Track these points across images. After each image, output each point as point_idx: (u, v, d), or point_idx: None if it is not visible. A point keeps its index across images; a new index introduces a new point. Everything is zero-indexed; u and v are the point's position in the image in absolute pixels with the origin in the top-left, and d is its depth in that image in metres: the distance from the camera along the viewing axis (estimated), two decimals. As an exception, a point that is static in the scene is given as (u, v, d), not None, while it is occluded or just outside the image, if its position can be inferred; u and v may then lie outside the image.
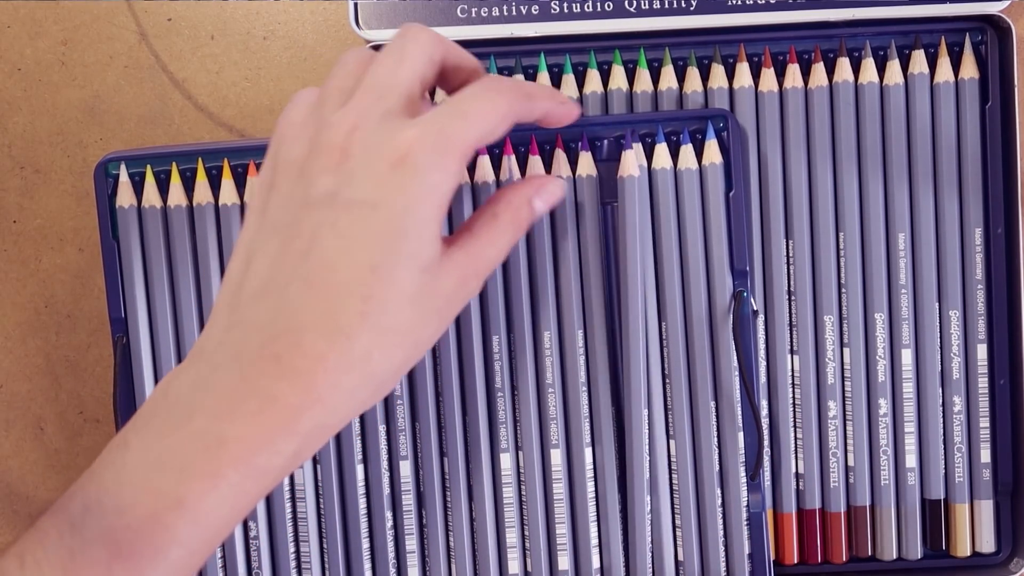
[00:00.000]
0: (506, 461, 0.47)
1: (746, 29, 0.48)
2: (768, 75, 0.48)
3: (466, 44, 0.48)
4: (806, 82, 0.48)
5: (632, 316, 0.46)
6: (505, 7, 0.48)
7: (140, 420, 0.35)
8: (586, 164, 0.46)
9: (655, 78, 0.48)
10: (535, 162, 0.46)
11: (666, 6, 0.48)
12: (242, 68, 0.52)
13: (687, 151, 0.46)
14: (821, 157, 0.48)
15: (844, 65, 0.48)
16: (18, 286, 0.53)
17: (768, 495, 0.49)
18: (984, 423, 0.48)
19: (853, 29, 0.48)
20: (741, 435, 0.47)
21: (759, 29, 0.48)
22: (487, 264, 0.38)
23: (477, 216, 0.39)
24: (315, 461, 0.47)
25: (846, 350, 0.48)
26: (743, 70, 0.48)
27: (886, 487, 0.49)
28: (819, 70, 0.48)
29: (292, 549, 0.48)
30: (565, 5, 0.48)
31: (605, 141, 0.47)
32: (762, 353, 0.48)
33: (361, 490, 0.47)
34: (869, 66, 0.48)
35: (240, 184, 0.47)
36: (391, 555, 0.48)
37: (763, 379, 0.48)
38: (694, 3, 0.48)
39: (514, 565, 0.47)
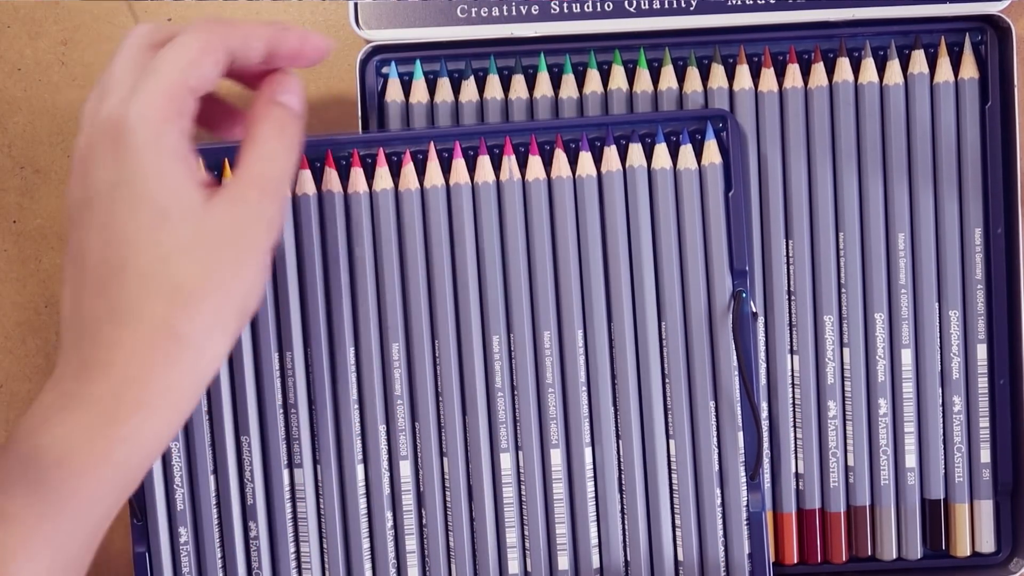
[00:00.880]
0: (506, 461, 0.47)
1: (746, 29, 0.48)
2: (768, 75, 0.48)
3: (466, 44, 0.48)
4: (806, 82, 0.48)
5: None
6: (505, 7, 0.48)
7: None
8: (586, 164, 0.46)
9: (655, 78, 0.48)
10: (535, 162, 0.46)
11: (666, 6, 0.48)
12: (242, 68, 0.52)
13: (687, 151, 0.46)
14: (821, 157, 0.48)
15: (844, 65, 0.48)
16: (18, 286, 0.53)
17: (768, 495, 0.49)
18: (984, 423, 0.48)
19: (853, 29, 0.48)
20: (741, 435, 0.47)
21: (759, 29, 0.48)
22: (266, 180, 0.37)
23: (240, 147, 0.39)
24: (315, 461, 0.47)
25: (846, 350, 0.48)
26: (743, 72, 0.48)
27: (886, 487, 0.49)
28: (819, 70, 0.48)
29: (292, 549, 0.48)
30: (565, 5, 0.48)
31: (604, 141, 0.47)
32: (762, 353, 0.48)
33: (361, 490, 0.47)
34: (869, 66, 0.48)
35: (240, 184, 0.47)
36: (391, 555, 0.48)
37: (763, 379, 0.48)
38: (694, 3, 0.48)
39: (514, 565, 0.47)
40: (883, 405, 0.48)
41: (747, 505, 0.47)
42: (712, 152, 0.46)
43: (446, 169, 0.47)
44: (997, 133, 0.48)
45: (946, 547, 0.49)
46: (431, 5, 0.48)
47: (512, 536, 0.47)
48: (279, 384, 0.47)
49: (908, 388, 0.48)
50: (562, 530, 0.47)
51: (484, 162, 0.46)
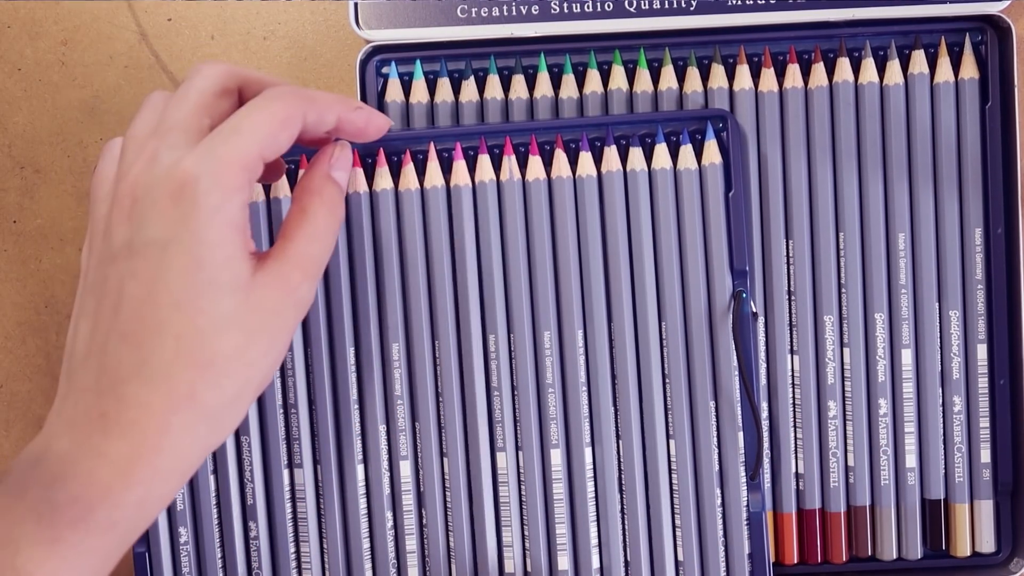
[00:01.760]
0: (506, 461, 0.47)
1: (746, 29, 0.48)
2: (768, 75, 0.48)
3: (466, 44, 0.48)
4: (806, 82, 0.48)
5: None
6: (505, 7, 0.48)
7: None
8: (586, 164, 0.46)
9: (655, 78, 0.48)
10: (535, 162, 0.46)
11: (666, 6, 0.48)
12: (242, 68, 0.52)
13: (687, 151, 0.46)
14: (821, 157, 0.48)
15: (844, 65, 0.48)
16: (18, 286, 0.53)
17: (768, 495, 0.49)
18: (984, 423, 0.48)
19: (853, 29, 0.48)
20: (741, 435, 0.47)
21: (759, 29, 0.48)
22: (311, 261, 0.37)
23: (288, 217, 0.38)
24: (315, 461, 0.47)
25: (846, 350, 0.48)
26: (743, 72, 0.48)
27: (886, 487, 0.49)
28: (819, 70, 0.48)
29: (292, 549, 0.48)
30: (565, 5, 0.48)
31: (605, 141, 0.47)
32: (762, 353, 0.48)
33: (361, 490, 0.47)
34: (869, 66, 0.48)
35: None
36: (391, 555, 0.48)
37: (763, 379, 0.48)
38: (694, 3, 0.48)
39: (514, 565, 0.47)
40: (883, 405, 0.48)
41: (747, 505, 0.47)
42: (712, 152, 0.46)
43: (446, 169, 0.47)
44: (997, 133, 0.48)
45: (946, 547, 0.49)
46: (431, 5, 0.48)
47: (512, 536, 0.47)
48: (279, 384, 0.47)
49: (908, 388, 0.48)
50: (562, 530, 0.47)
51: (484, 162, 0.46)
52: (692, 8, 0.48)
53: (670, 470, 0.47)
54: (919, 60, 0.48)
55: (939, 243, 0.48)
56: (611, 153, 0.46)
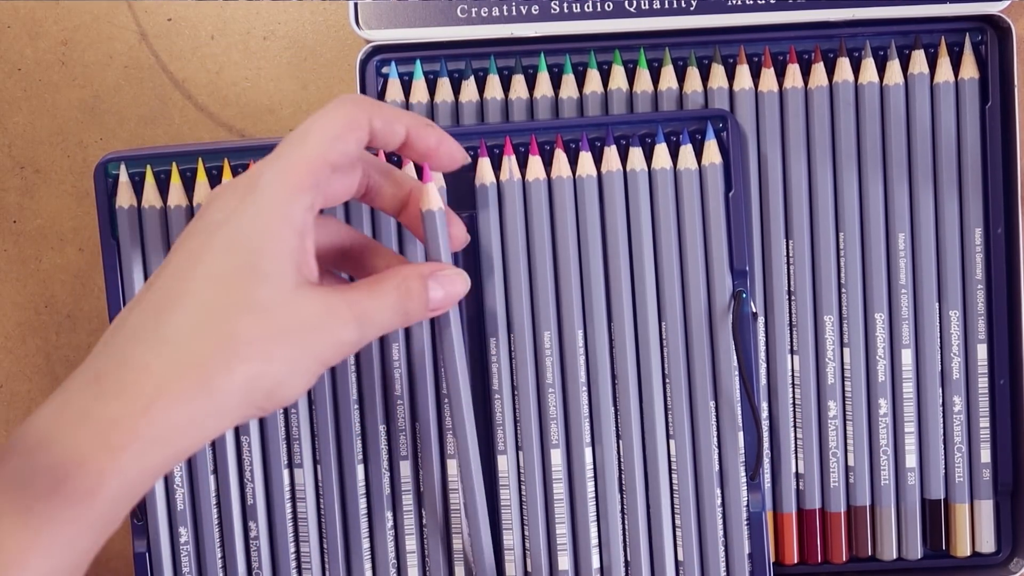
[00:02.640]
0: (505, 462, 0.47)
1: (746, 29, 0.48)
2: (768, 75, 0.48)
3: (466, 44, 0.48)
4: (806, 82, 0.48)
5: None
6: (505, 7, 0.48)
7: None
8: (586, 164, 0.46)
9: (655, 78, 0.48)
10: (535, 162, 0.46)
11: (666, 6, 0.48)
12: (242, 68, 0.52)
13: (687, 151, 0.46)
14: (821, 157, 0.48)
15: (844, 65, 0.48)
16: (18, 286, 0.53)
17: (768, 495, 0.49)
18: (984, 423, 0.48)
19: (853, 29, 0.48)
20: (741, 435, 0.47)
21: (759, 29, 0.48)
22: (364, 315, 0.37)
23: (374, 270, 0.39)
24: (315, 461, 0.47)
25: (846, 350, 0.48)
26: (743, 72, 0.48)
27: (886, 487, 0.49)
28: (819, 70, 0.48)
29: (292, 549, 0.48)
30: (565, 5, 0.48)
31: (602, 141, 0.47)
32: (762, 353, 0.48)
33: (361, 490, 0.47)
34: (869, 66, 0.48)
35: (240, 184, 0.47)
36: (391, 555, 0.48)
37: (763, 379, 0.48)
38: (694, 3, 0.48)
39: (514, 565, 0.47)
40: (883, 405, 0.48)
41: (747, 505, 0.47)
42: (712, 152, 0.46)
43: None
44: (997, 133, 0.48)
45: (946, 547, 0.49)
46: (431, 5, 0.48)
47: (512, 536, 0.47)
48: (279, 384, 0.47)
49: (908, 388, 0.48)
50: (562, 530, 0.47)
51: (484, 163, 0.46)
52: (692, 8, 0.48)
53: (670, 470, 0.47)
54: (919, 60, 0.48)
55: (939, 243, 0.48)
56: (611, 153, 0.46)
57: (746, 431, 0.47)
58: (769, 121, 0.48)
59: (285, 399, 0.36)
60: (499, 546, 0.48)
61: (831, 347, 0.48)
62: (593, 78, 0.48)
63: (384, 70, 0.49)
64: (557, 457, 0.47)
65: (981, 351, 0.48)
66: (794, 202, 0.48)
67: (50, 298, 0.52)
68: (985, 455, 0.49)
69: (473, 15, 0.48)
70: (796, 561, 0.49)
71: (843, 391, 0.48)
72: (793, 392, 0.48)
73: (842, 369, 0.48)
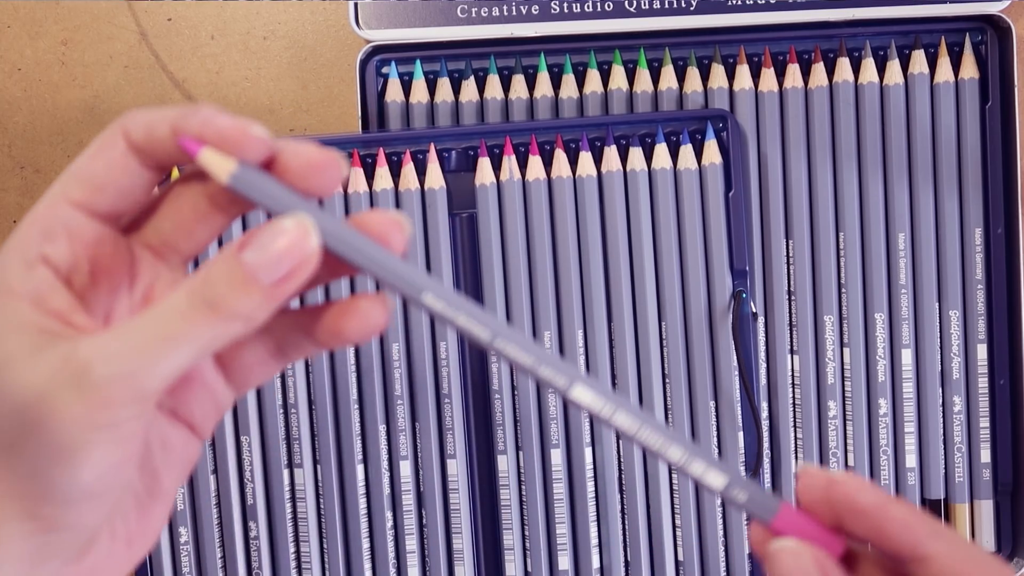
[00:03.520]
0: (505, 462, 0.47)
1: (746, 29, 0.48)
2: (768, 75, 0.48)
3: (466, 44, 0.48)
4: (806, 82, 0.48)
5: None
6: (505, 7, 0.48)
7: None
8: (586, 164, 0.46)
9: (655, 78, 0.48)
10: (535, 162, 0.46)
11: (666, 6, 0.48)
12: (242, 68, 0.52)
13: (687, 151, 0.46)
14: (821, 157, 0.48)
15: (844, 65, 0.48)
16: (18, 286, 0.52)
17: (768, 495, 0.49)
18: (984, 423, 0.48)
19: (853, 29, 0.48)
20: (741, 435, 0.47)
21: (759, 29, 0.48)
22: (128, 367, 0.25)
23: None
24: (315, 461, 0.47)
25: (846, 350, 0.48)
26: (743, 72, 0.48)
27: (886, 487, 0.49)
28: (819, 70, 0.48)
29: (292, 549, 0.48)
30: (565, 5, 0.48)
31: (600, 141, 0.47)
32: (762, 353, 0.48)
33: (361, 490, 0.47)
34: (869, 66, 0.48)
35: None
36: (391, 555, 0.48)
37: (763, 379, 0.48)
38: (694, 3, 0.48)
39: (514, 565, 0.47)
40: (883, 405, 0.48)
41: (747, 505, 0.47)
42: (712, 152, 0.46)
43: (446, 170, 0.47)
44: (997, 133, 0.48)
45: (946, 547, 0.49)
46: (431, 5, 0.48)
47: (512, 536, 0.47)
48: (279, 384, 0.47)
49: (908, 388, 0.48)
50: (562, 530, 0.47)
51: (484, 163, 0.46)
52: (692, 8, 0.48)
53: (670, 470, 0.47)
54: (919, 60, 0.48)
55: (939, 243, 0.48)
56: (611, 153, 0.46)
57: (746, 431, 0.47)
58: (769, 121, 0.48)
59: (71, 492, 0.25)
60: (499, 546, 0.48)
61: (831, 347, 0.48)
62: (593, 78, 0.48)
63: (384, 70, 0.49)
64: (557, 457, 0.47)
65: (981, 351, 0.48)
66: (794, 202, 0.48)
67: (50, 298, 0.52)
68: (985, 455, 0.49)
69: (473, 15, 0.48)
70: (796, 561, 0.49)
71: (843, 391, 0.48)
72: (793, 392, 0.48)
73: (842, 369, 0.48)
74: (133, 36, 0.52)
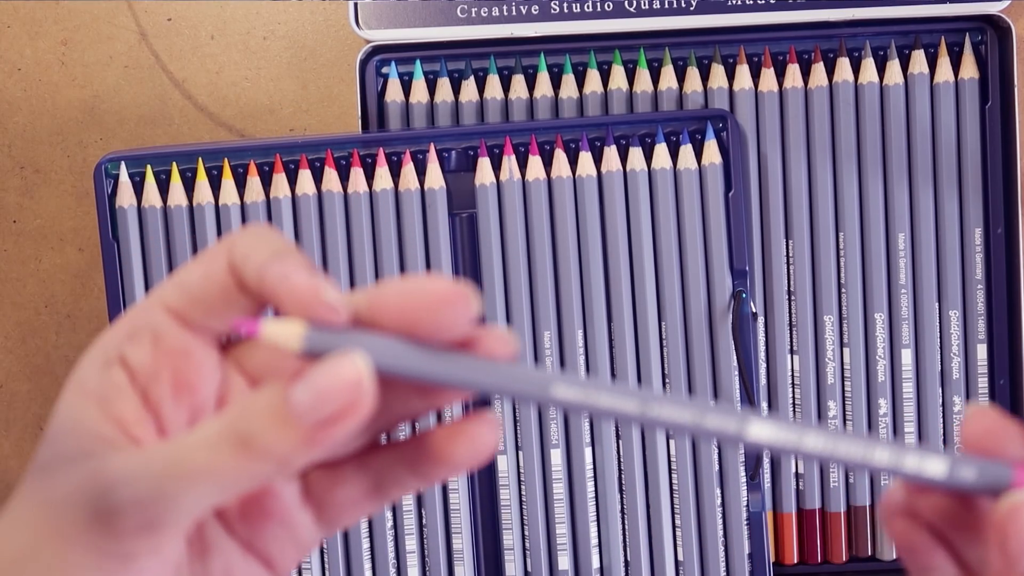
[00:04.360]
0: (505, 462, 0.47)
1: (746, 29, 0.48)
2: (768, 75, 0.48)
3: (466, 44, 0.48)
4: (806, 82, 0.48)
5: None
6: (505, 7, 0.48)
7: None
8: (586, 164, 0.46)
9: (655, 78, 0.48)
10: (535, 162, 0.46)
11: (666, 6, 0.48)
12: (242, 68, 0.52)
13: (687, 151, 0.46)
14: (821, 157, 0.48)
15: (844, 65, 0.48)
16: (18, 286, 0.53)
17: (768, 495, 0.49)
18: (984, 423, 0.48)
19: (853, 29, 0.48)
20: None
21: (759, 29, 0.48)
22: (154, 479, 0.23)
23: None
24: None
25: (846, 350, 0.48)
26: (743, 72, 0.48)
27: (886, 487, 0.48)
28: (819, 70, 0.48)
29: (292, 549, 0.48)
30: (565, 5, 0.48)
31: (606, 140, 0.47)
32: (762, 353, 0.48)
33: (361, 490, 0.47)
34: (869, 66, 0.48)
35: (240, 184, 0.47)
36: (391, 555, 0.48)
37: (763, 379, 0.48)
38: (694, 3, 0.48)
39: (514, 565, 0.47)
40: (883, 405, 0.48)
41: (747, 505, 0.47)
42: (712, 152, 0.46)
43: (446, 171, 0.47)
44: (997, 133, 0.48)
45: (946, 547, 0.49)
46: (431, 5, 0.48)
47: (512, 536, 0.47)
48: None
49: (908, 388, 0.48)
50: (562, 530, 0.47)
51: (484, 163, 0.46)
52: (692, 8, 0.48)
53: (670, 470, 0.47)
54: (919, 60, 0.48)
55: (939, 243, 0.48)
56: (611, 153, 0.46)
57: (746, 431, 0.47)
58: (769, 121, 0.48)
59: None
60: (499, 546, 0.48)
61: (831, 347, 0.48)
62: (593, 78, 0.48)
63: (384, 70, 0.49)
64: (557, 457, 0.47)
65: (981, 351, 0.48)
66: (794, 202, 0.48)
67: (50, 298, 0.52)
68: (985, 455, 0.48)
69: (473, 15, 0.48)
70: (796, 561, 0.49)
71: (843, 391, 0.48)
72: (793, 392, 0.48)
73: (842, 369, 0.48)
74: (133, 36, 0.52)
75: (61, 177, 0.52)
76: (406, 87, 0.49)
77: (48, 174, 0.52)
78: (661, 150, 0.46)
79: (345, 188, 0.46)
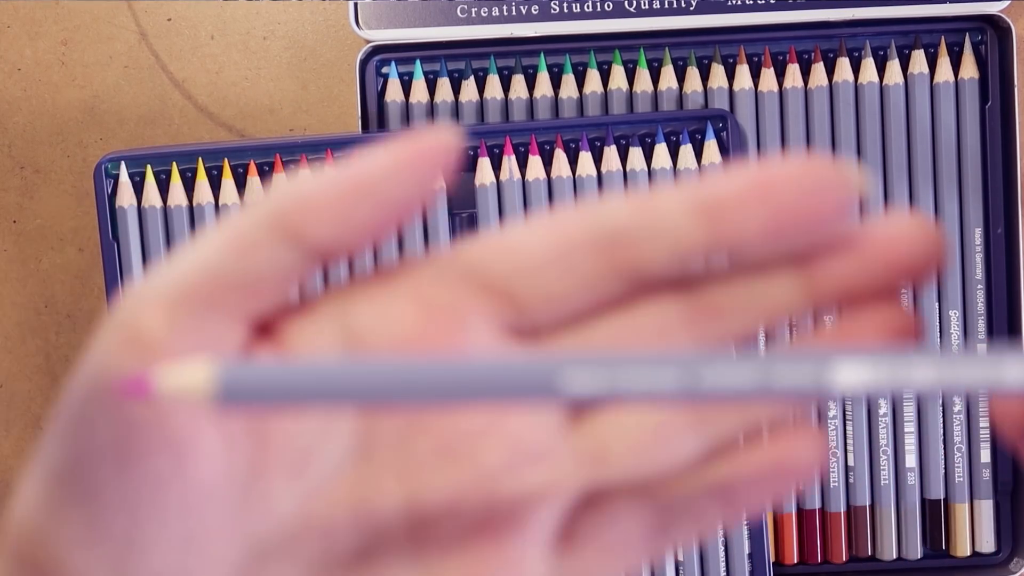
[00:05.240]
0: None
1: (746, 29, 0.48)
2: (768, 75, 0.48)
3: (466, 44, 0.48)
4: (806, 82, 0.48)
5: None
6: (505, 7, 0.48)
7: None
8: (586, 164, 0.46)
9: (655, 78, 0.48)
10: (535, 162, 0.46)
11: (666, 6, 0.48)
12: (242, 68, 0.52)
13: (687, 151, 0.46)
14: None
15: (844, 65, 0.48)
16: (18, 286, 0.53)
17: (768, 495, 0.48)
18: (984, 423, 0.48)
19: (853, 29, 0.48)
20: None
21: (759, 29, 0.48)
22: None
23: None
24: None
25: (846, 350, 0.48)
26: (743, 72, 0.48)
27: (886, 487, 0.49)
28: (819, 70, 0.48)
29: (292, 549, 0.48)
30: (565, 5, 0.48)
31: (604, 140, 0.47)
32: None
33: (361, 490, 0.47)
34: (869, 66, 0.48)
35: (240, 184, 0.47)
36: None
37: (763, 379, 0.48)
38: (694, 3, 0.48)
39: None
40: (883, 405, 0.48)
41: (747, 505, 0.47)
42: (712, 152, 0.46)
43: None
44: (997, 133, 0.48)
45: (946, 547, 0.49)
46: (431, 5, 0.48)
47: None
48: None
49: (908, 388, 0.48)
50: (562, 530, 0.47)
51: (484, 163, 0.46)
52: (692, 8, 0.48)
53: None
54: (919, 60, 0.48)
55: (939, 243, 0.48)
56: (611, 153, 0.46)
57: (746, 431, 0.47)
58: (769, 121, 0.48)
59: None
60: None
61: (831, 347, 0.48)
62: (593, 78, 0.48)
63: (384, 70, 0.49)
64: (557, 457, 0.47)
65: (981, 351, 0.48)
66: (794, 202, 0.48)
67: (50, 298, 0.52)
68: (985, 455, 0.49)
69: (473, 15, 0.48)
70: (796, 561, 0.49)
71: (843, 391, 0.48)
72: (793, 392, 0.48)
73: (842, 369, 0.48)
74: (133, 36, 0.52)
75: (61, 177, 0.52)
76: (406, 87, 0.49)
77: (48, 174, 0.52)
78: (661, 150, 0.46)
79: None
